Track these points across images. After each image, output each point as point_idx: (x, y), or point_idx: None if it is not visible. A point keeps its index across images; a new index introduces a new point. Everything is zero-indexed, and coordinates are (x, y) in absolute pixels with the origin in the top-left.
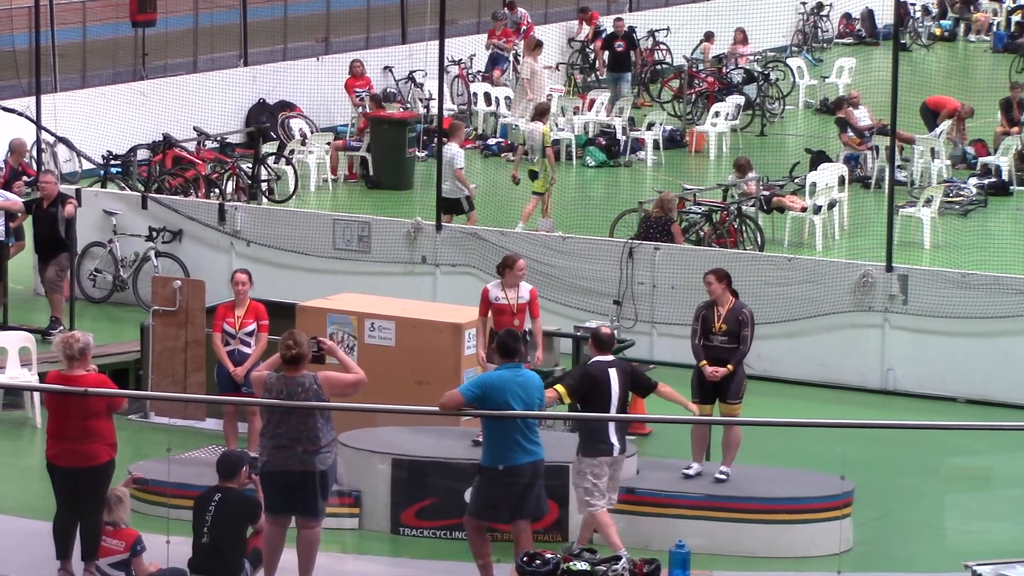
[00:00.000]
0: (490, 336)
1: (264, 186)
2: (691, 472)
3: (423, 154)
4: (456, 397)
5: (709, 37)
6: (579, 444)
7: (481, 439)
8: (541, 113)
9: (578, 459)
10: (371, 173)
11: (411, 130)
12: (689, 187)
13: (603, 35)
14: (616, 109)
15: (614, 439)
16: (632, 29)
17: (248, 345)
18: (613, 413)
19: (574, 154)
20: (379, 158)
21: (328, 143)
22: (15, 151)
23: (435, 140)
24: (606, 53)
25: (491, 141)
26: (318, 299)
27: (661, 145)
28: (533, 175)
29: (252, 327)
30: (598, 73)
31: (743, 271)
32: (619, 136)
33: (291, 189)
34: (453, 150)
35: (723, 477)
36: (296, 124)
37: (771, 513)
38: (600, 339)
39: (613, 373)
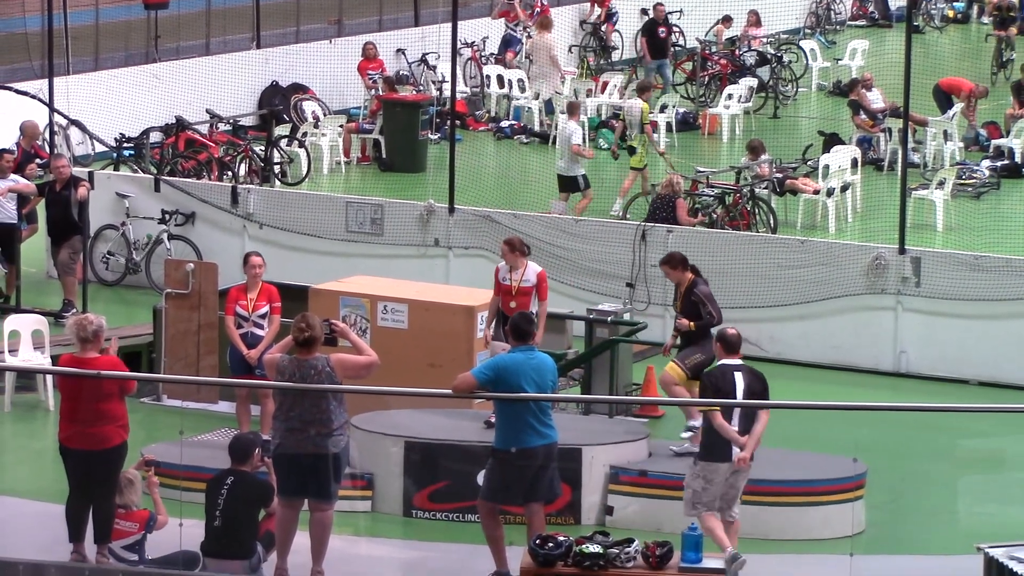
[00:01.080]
0: (498, 316)
1: (277, 169)
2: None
3: (436, 136)
4: (469, 380)
5: (726, 20)
6: (700, 448)
7: (493, 421)
8: (643, 89)
9: (695, 461)
10: (384, 156)
11: (424, 113)
12: (702, 170)
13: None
14: (630, 91)
15: (736, 446)
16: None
17: (261, 328)
18: (737, 420)
19: (587, 136)
20: (392, 141)
21: (341, 125)
22: (27, 134)
23: (448, 122)
24: (641, 41)
25: (504, 124)
26: (331, 282)
27: (674, 127)
28: (631, 150)
29: (265, 310)
30: (644, 61)
31: (756, 253)
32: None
33: (304, 172)
34: (571, 127)
35: (688, 434)
36: (309, 106)
37: (784, 496)
38: (727, 341)
39: (739, 377)
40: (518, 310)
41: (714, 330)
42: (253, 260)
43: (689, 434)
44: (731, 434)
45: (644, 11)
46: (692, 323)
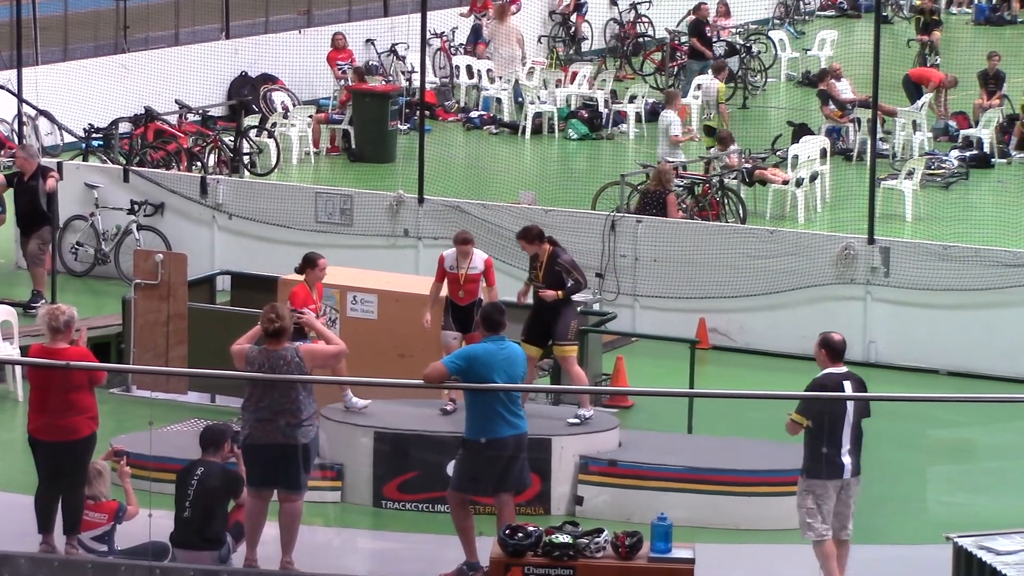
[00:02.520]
0: (445, 305)
1: (246, 159)
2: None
3: (405, 127)
4: (440, 369)
5: (696, 10)
6: (804, 463)
7: (449, 409)
8: (719, 69)
9: (802, 479)
10: (353, 146)
11: (393, 103)
12: (671, 160)
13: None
14: (599, 81)
15: (846, 458)
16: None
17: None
18: (847, 433)
19: (556, 127)
20: (361, 131)
21: (310, 116)
22: None
23: (417, 113)
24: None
25: (473, 114)
26: None
27: (643, 118)
28: (710, 131)
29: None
30: (679, 61)
31: (725, 244)
32: (601, 109)
33: (273, 162)
34: (669, 117)
35: (576, 421)
36: (278, 97)
37: (753, 485)
38: (833, 347)
39: (848, 386)
40: (468, 299)
41: (818, 336)
42: (323, 263)
43: (576, 421)
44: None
45: (613, 1)
46: (560, 292)
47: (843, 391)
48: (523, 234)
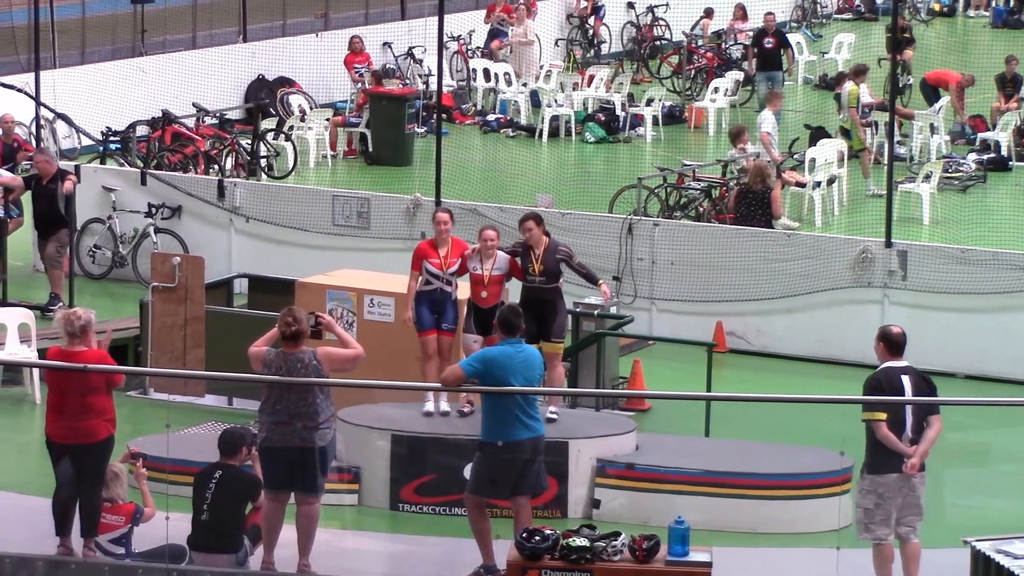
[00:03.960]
0: (468, 307)
1: (263, 162)
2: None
3: (422, 130)
4: (457, 372)
5: (709, 13)
6: (866, 460)
7: (467, 411)
8: (858, 73)
9: (863, 477)
10: (370, 149)
11: (410, 106)
12: (688, 163)
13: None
14: (616, 84)
15: (908, 450)
16: (783, 26)
17: (450, 285)
18: (908, 429)
19: (573, 130)
20: (378, 134)
21: (327, 119)
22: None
23: (434, 116)
24: (754, 50)
25: (490, 117)
26: (317, 275)
27: (660, 121)
28: (846, 133)
29: (456, 267)
30: (749, 68)
31: (742, 247)
32: (618, 112)
33: (290, 165)
34: (764, 115)
35: (554, 416)
36: (295, 100)
37: (771, 489)
38: (892, 340)
39: (907, 381)
40: (491, 300)
41: (878, 329)
42: (439, 216)
43: (555, 417)
44: (898, 446)
45: (630, 4)
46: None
47: (901, 386)
48: (532, 216)
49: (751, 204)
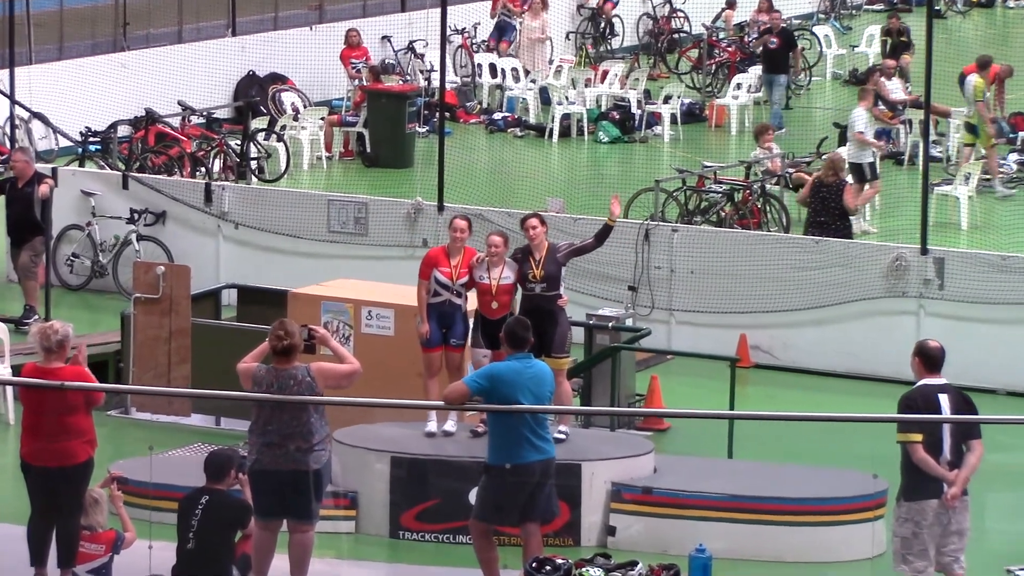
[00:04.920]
0: (476, 319)
1: (253, 164)
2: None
3: (424, 130)
4: (461, 389)
5: (731, 4)
6: (902, 484)
7: (480, 431)
8: (982, 65)
9: (899, 503)
10: (368, 150)
11: (411, 104)
12: (709, 164)
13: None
14: (631, 80)
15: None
16: (789, 26)
17: (461, 297)
18: (947, 451)
19: (586, 129)
20: (377, 134)
21: (322, 118)
22: None
23: (436, 114)
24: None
25: (497, 116)
26: (311, 285)
27: (679, 119)
28: (971, 128)
29: (467, 278)
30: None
31: (767, 254)
32: (634, 110)
33: (282, 167)
34: (858, 113)
35: (563, 436)
36: (288, 98)
37: (799, 514)
38: (929, 355)
39: (944, 400)
40: (500, 311)
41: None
42: (456, 223)
43: (563, 437)
44: (937, 470)
45: None
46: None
47: (939, 405)
48: (535, 216)
49: (825, 197)
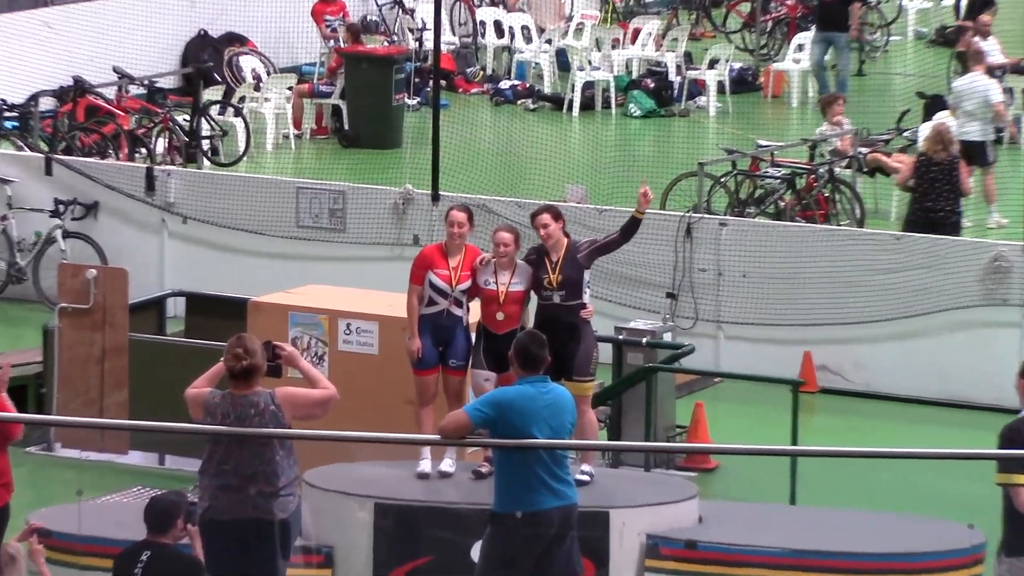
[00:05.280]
0: (478, 334)
1: (206, 144)
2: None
3: (414, 102)
4: (461, 420)
5: None
6: (1003, 536)
7: (484, 471)
8: None
9: (999, 559)
10: (346, 127)
11: (398, 70)
12: (764, 143)
13: None
14: (669, 41)
15: None
16: None
17: (462, 307)
18: None
19: (613, 101)
20: (357, 107)
21: (289, 88)
22: None
23: (430, 83)
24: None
25: (504, 84)
26: (276, 293)
27: (727, 88)
28: None
29: (469, 283)
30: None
31: (837, 253)
32: (672, 77)
33: (241, 148)
34: (983, 82)
35: (586, 478)
36: (248, 63)
37: (876, 572)
38: None
39: None
40: (509, 324)
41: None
42: (454, 216)
43: (586, 479)
44: None
45: None
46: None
47: None
48: (548, 209)
49: (934, 178)
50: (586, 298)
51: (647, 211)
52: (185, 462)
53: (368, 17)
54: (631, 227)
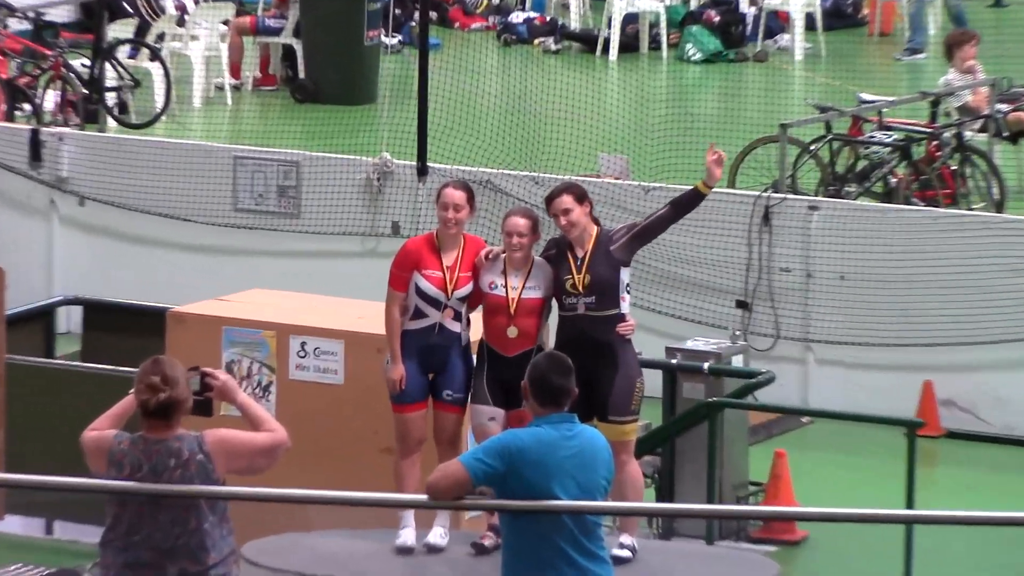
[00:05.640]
0: (481, 355)
1: (111, 99)
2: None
3: (394, 41)
4: (457, 474)
5: None
6: None
7: (487, 544)
8: None
9: None
10: (301, 75)
11: None
12: (870, 99)
13: None
14: None
15: None
16: None
17: (459, 320)
18: None
19: (664, 40)
20: (316, 48)
21: (225, 22)
22: None
23: (416, 15)
24: None
25: (516, 17)
26: (206, 300)
27: (818, 23)
28: None
29: (470, 287)
30: None
31: (969, 247)
32: (743, 8)
33: (159, 104)
34: None
35: (626, 555)
36: None
37: None
38: None
39: None
40: (522, 344)
41: None
42: (449, 196)
43: (627, 554)
44: None
45: None
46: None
47: None
48: (569, 188)
49: None
50: (625, 307)
51: (713, 194)
52: (81, 530)
53: None
54: (690, 201)
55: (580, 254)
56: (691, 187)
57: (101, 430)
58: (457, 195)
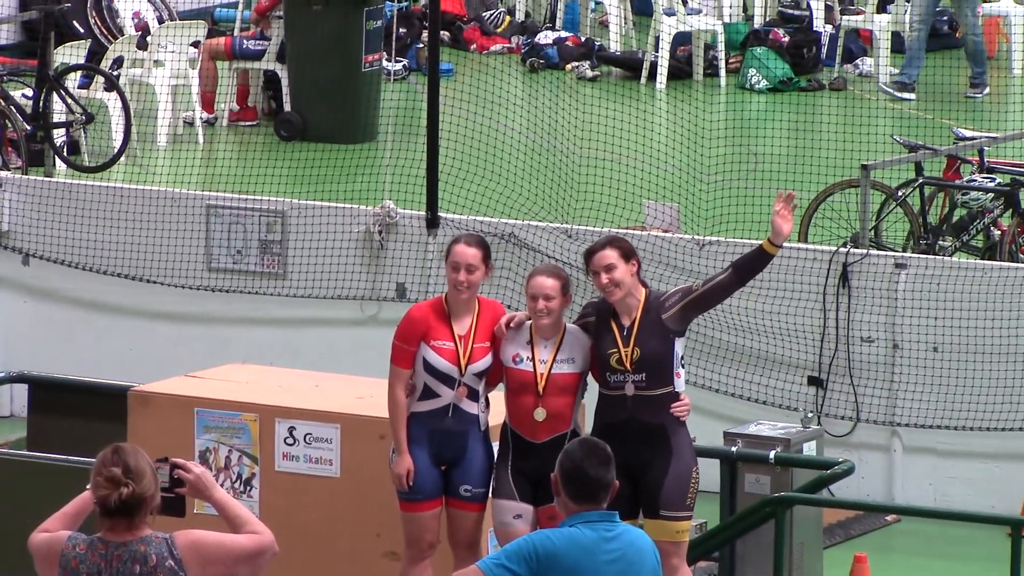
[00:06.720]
0: (504, 441)
1: (60, 137)
2: None
3: (398, 66)
4: None
5: None
6: None
7: None
8: None
9: None
10: (287, 107)
11: (372, 15)
12: (968, 135)
13: None
14: None
15: None
16: None
17: (477, 400)
18: None
19: (723, 65)
20: (304, 75)
21: (195, 44)
22: None
23: (424, 37)
24: None
25: (544, 38)
26: (175, 378)
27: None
28: None
29: (488, 361)
30: None
31: None
32: (817, 27)
33: (117, 142)
34: None
35: None
36: (127, 4)
37: None
38: None
39: None
40: (551, 425)
41: None
42: (458, 252)
43: None
44: None
45: None
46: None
47: None
48: (613, 242)
49: None
50: (679, 385)
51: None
52: None
53: None
54: (755, 263)
55: (627, 323)
56: (756, 246)
57: (52, 532)
58: (470, 253)
